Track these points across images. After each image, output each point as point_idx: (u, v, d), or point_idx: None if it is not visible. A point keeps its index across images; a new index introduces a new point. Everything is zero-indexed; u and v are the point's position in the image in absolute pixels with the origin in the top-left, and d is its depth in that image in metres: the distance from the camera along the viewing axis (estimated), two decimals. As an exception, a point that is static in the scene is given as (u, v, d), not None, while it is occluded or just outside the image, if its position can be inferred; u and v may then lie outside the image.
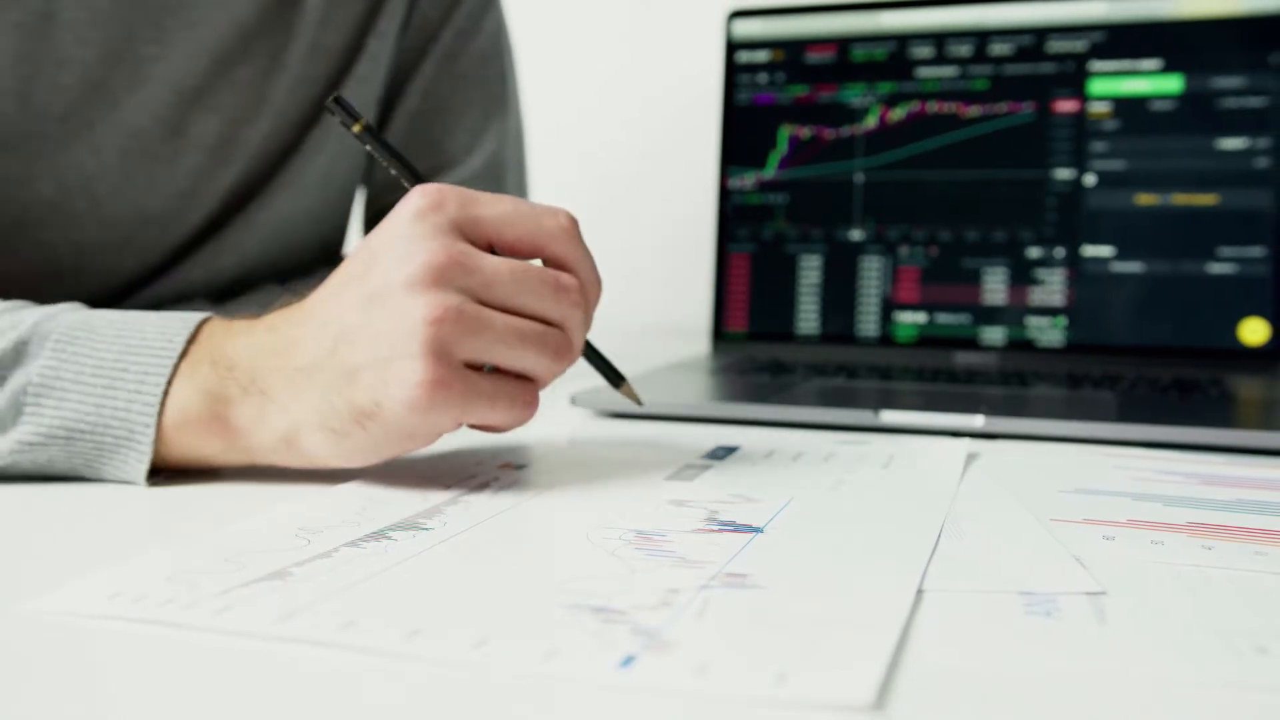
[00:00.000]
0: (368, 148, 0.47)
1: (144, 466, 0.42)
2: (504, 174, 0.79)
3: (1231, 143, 0.82)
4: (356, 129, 0.46)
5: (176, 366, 0.42)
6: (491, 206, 0.42)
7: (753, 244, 0.92)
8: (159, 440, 0.42)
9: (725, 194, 0.93)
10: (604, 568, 0.32)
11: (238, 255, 0.70)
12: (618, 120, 1.33)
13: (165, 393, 0.42)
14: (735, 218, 0.93)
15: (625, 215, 1.34)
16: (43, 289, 0.64)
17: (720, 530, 0.37)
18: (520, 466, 0.47)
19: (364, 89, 0.72)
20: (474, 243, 0.42)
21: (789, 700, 0.23)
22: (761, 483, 0.44)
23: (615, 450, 0.52)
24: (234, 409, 0.42)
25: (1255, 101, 0.81)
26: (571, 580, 0.31)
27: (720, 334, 0.92)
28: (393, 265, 0.40)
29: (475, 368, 0.41)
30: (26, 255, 0.64)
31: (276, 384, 0.42)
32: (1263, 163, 0.81)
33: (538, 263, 0.44)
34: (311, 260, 0.75)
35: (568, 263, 0.44)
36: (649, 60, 1.31)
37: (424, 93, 0.76)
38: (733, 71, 0.94)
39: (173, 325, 0.43)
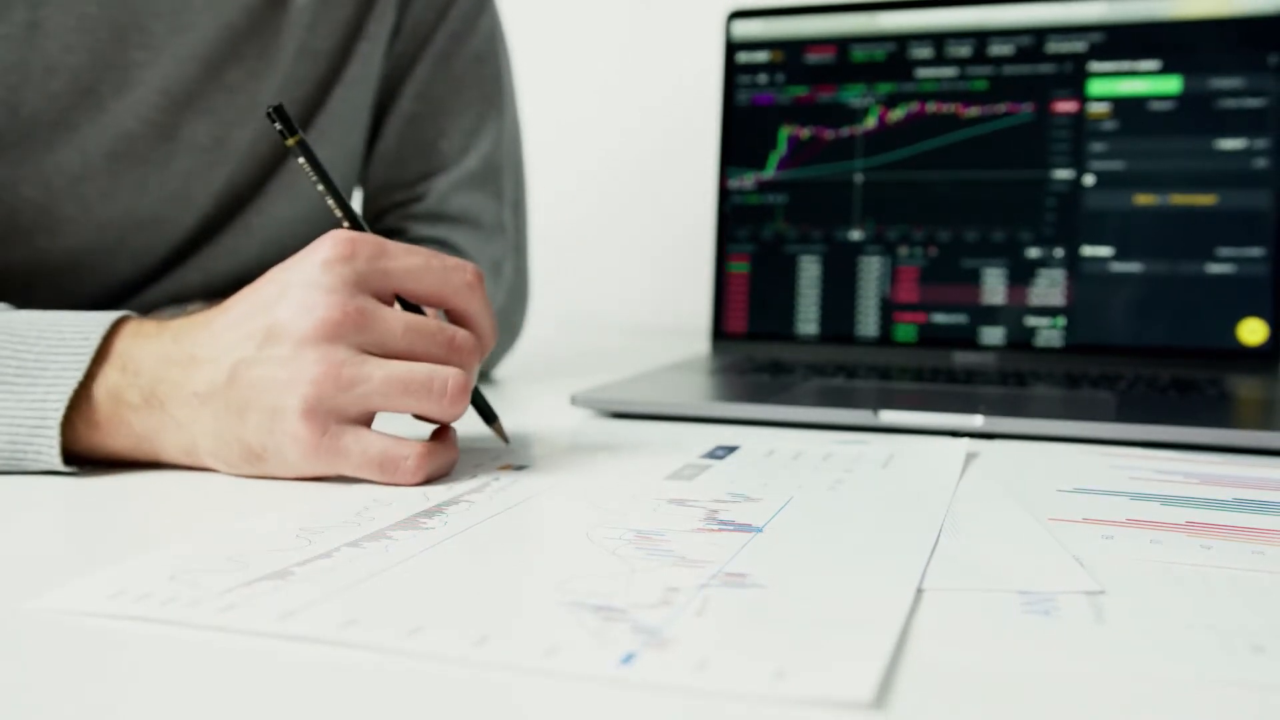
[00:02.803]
0: (300, 161, 0.48)
1: (56, 454, 0.44)
2: (500, 175, 0.79)
3: (1230, 143, 0.82)
4: (291, 143, 0.48)
5: (91, 365, 0.44)
6: (400, 260, 0.45)
7: (752, 244, 0.92)
8: (72, 436, 0.44)
9: (725, 194, 0.93)
10: (604, 566, 0.32)
11: (234, 259, 0.70)
12: (616, 122, 1.33)
13: (78, 390, 0.44)
14: (735, 218, 0.93)
15: (625, 216, 1.34)
16: (37, 294, 0.64)
17: (720, 530, 0.37)
18: (520, 466, 0.47)
19: (356, 92, 0.72)
20: (380, 294, 0.44)
21: (788, 698, 0.23)
22: (761, 482, 0.44)
23: (615, 450, 0.52)
24: (136, 415, 0.44)
25: (1254, 102, 0.81)
26: (572, 579, 0.31)
27: (720, 334, 0.92)
28: (294, 312, 0.43)
29: (360, 426, 0.44)
30: (19, 259, 0.64)
31: (174, 402, 0.44)
32: (1261, 163, 0.81)
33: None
34: None
35: (469, 315, 0.47)
36: (648, 61, 1.31)
37: (418, 95, 0.76)
38: (732, 72, 0.94)
39: (89, 325, 0.45)
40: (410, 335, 0.44)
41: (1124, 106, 0.84)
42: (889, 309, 0.88)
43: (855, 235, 0.89)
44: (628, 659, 0.25)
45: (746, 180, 0.93)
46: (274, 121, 0.47)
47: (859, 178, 0.90)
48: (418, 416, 0.45)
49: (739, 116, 0.94)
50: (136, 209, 0.65)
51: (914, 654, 0.26)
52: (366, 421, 0.44)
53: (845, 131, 0.90)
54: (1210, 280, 0.81)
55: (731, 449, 0.52)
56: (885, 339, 0.88)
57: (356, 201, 0.81)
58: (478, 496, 0.41)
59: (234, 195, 0.69)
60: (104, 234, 0.65)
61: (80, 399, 0.44)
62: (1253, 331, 0.80)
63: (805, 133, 0.91)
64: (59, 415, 0.43)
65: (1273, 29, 0.82)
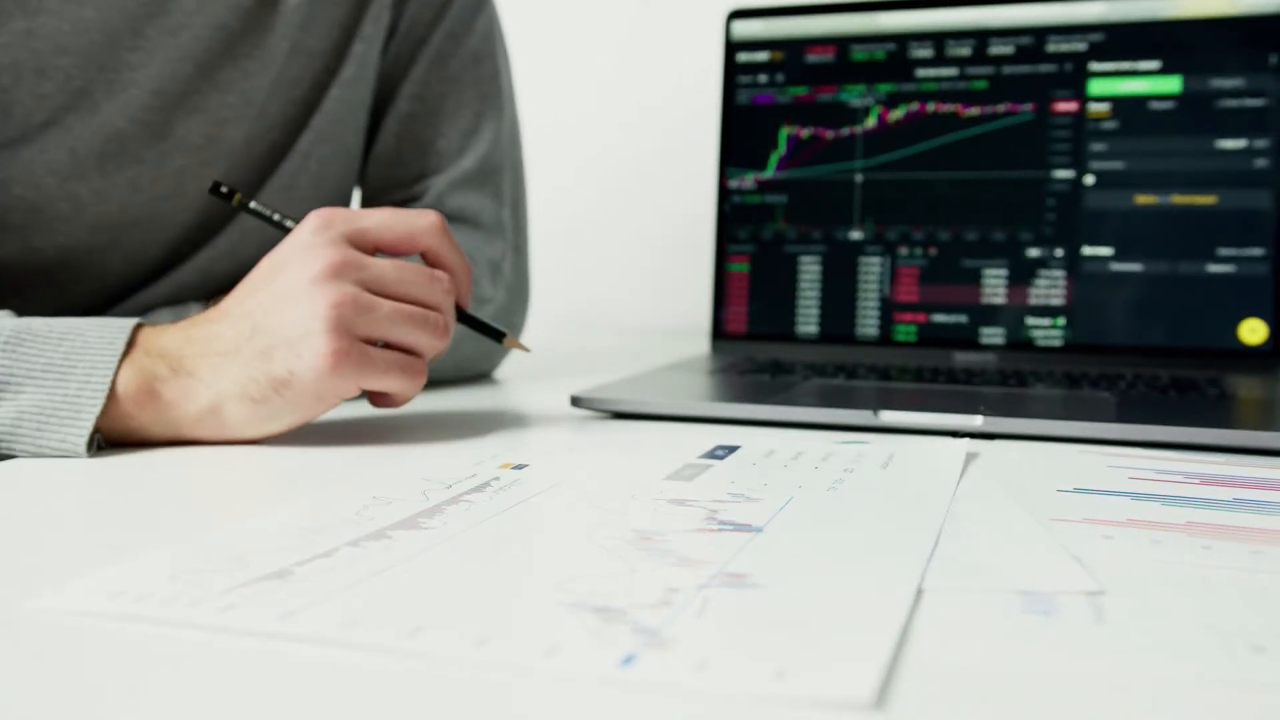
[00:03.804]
0: (252, 211, 0.57)
1: (83, 440, 0.48)
2: (498, 174, 0.79)
3: (1230, 143, 0.82)
4: (235, 201, 0.57)
5: (121, 362, 0.49)
6: (371, 218, 0.53)
7: (752, 244, 0.92)
8: (101, 414, 0.48)
9: (725, 194, 0.93)
10: (604, 567, 0.32)
11: (232, 260, 0.70)
12: (616, 122, 1.33)
13: (112, 383, 0.48)
14: (735, 218, 0.93)
15: (625, 216, 1.34)
16: (32, 292, 0.64)
17: (720, 530, 0.37)
18: (520, 466, 0.47)
19: (352, 92, 0.72)
20: (362, 249, 0.52)
21: (788, 698, 0.23)
22: (761, 483, 0.44)
23: (615, 450, 0.52)
24: (164, 385, 0.49)
25: (1254, 102, 0.81)
26: (572, 579, 0.31)
27: (720, 334, 0.92)
28: (299, 268, 0.50)
29: (371, 343, 0.51)
30: (13, 257, 0.64)
31: (201, 366, 0.50)
32: (1262, 163, 0.81)
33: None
34: None
35: (439, 253, 0.54)
36: (648, 61, 1.31)
37: (415, 95, 0.76)
38: (732, 72, 0.94)
39: (110, 330, 0.50)
40: (400, 272, 0.52)
41: (1124, 106, 0.84)
42: (889, 309, 0.88)
43: (855, 235, 0.89)
44: (628, 660, 0.25)
45: (746, 180, 0.93)
46: (220, 195, 0.56)
47: (859, 178, 0.90)
48: (399, 349, 0.52)
49: (739, 116, 0.94)
50: (130, 207, 0.65)
51: (914, 654, 0.26)
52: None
53: (845, 131, 0.90)
54: (1210, 280, 0.81)
55: (731, 449, 0.52)
56: (885, 339, 0.88)
57: (355, 202, 0.81)
58: (478, 496, 0.41)
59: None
60: (97, 233, 0.65)
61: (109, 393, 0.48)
62: (1253, 331, 0.80)
63: (805, 133, 0.91)
64: (96, 409, 0.48)
65: (1273, 29, 0.82)
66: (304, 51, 0.69)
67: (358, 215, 0.53)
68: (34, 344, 0.49)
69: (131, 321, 0.51)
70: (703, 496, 0.42)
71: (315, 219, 0.52)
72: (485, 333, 0.59)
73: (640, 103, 1.32)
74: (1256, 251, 0.81)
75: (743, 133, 0.93)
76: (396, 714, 0.23)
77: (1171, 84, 0.83)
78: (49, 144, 0.61)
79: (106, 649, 0.27)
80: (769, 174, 0.92)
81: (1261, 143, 0.81)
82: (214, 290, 0.70)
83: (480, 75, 0.78)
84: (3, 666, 0.26)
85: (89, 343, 0.49)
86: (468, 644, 0.26)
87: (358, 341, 0.50)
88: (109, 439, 0.50)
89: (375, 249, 0.53)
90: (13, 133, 0.60)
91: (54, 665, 0.26)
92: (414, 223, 0.54)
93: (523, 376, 0.83)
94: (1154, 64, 0.84)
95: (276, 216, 0.57)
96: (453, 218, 0.76)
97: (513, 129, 0.82)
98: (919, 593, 0.31)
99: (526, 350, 0.61)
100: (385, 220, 0.53)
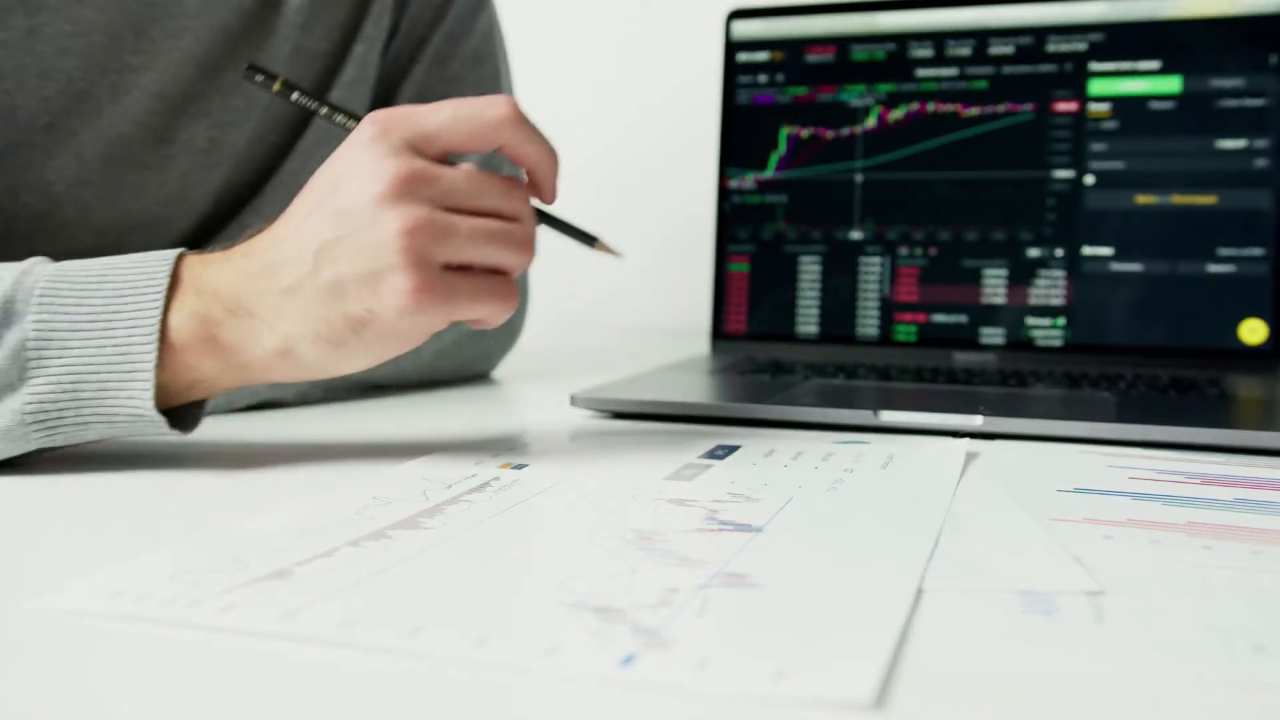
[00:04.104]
0: (296, 100, 0.50)
1: (149, 393, 0.43)
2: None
3: (1230, 143, 0.82)
4: (276, 88, 0.50)
5: (167, 300, 0.44)
6: (435, 116, 0.45)
7: (752, 244, 0.92)
8: (160, 366, 0.44)
9: (725, 194, 0.93)
10: (604, 567, 0.32)
11: None
12: (616, 122, 1.33)
13: (161, 324, 0.44)
14: (735, 218, 0.93)
15: (625, 216, 1.33)
16: None
17: (720, 530, 0.37)
18: (520, 466, 0.47)
19: (353, 93, 0.72)
20: (427, 155, 0.45)
21: (788, 698, 0.23)
22: (761, 483, 0.44)
23: (615, 450, 0.52)
24: (223, 329, 0.44)
25: (1254, 102, 0.81)
26: (571, 579, 0.31)
27: (720, 334, 0.92)
28: (360, 183, 0.43)
29: (451, 269, 0.45)
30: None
31: (261, 305, 0.44)
32: (1262, 163, 0.81)
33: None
34: None
35: (517, 147, 0.47)
36: (648, 61, 1.31)
37: (416, 95, 0.76)
38: (732, 72, 0.94)
39: (151, 265, 0.45)
40: (473, 182, 0.45)
41: (1124, 106, 0.84)
42: (889, 309, 0.88)
43: (855, 235, 0.89)
44: (628, 660, 0.25)
45: (746, 180, 0.93)
46: (253, 82, 0.50)
47: (859, 178, 0.90)
48: (486, 271, 0.46)
49: (739, 116, 0.94)
50: (134, 212, 0.65)
51: (914, 654, 0.26)
52: None
53: (845, 131, 0.90)
54: (1210, 280, 0.81)
55: (731, 449, 0.52)
56: (885, 339, 0.88)
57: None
58: (478, 496, 0.41)
59: (231, 196, 0.69)
60: (101, 238, 0.65)
61: (161, 332, 0.44)
62: (1253, 331, 0.80)
63: (805, 132, 0.91)
64: (151, 353, 0.43)
65: (1273, 29, 0.82)
66: (306, 53, 0.69)
67: (419, 115, 0.45)
68: (72, 292, 0.44)
69: (173, 253, 0.46)
70: (703, 496, 0.42)
71: (371, 125, 0.45)
72: (575, 236, 0.52)
73: (640, 103, 1.32)
74: (1256, 251, 0.81)
75: (743, 133, 0.93)
76: (396, 714, 0.23)
77: (1171, 84, 0.83)
78: (56, 149, 0.61)
79: (106, 649, 0.27)
80: (769, 174, 0.92)
81: (1261, 143, 0.81)
82: None
83: (481, 75, 0.78)
84: (3, 666, 0.26)
85: (130, 281, 0.45)
86: (468, 644, 0.26)
87: (440, 271, 0.44)
88: (173, 397, 0.45)
89: (443, 153, 0.46)
90: (16, 136, 0.60)
91: (54, 665, 0.26)
92: (484, 115, 0.46)
93: (523, 376, 0.83)
94: (1154, 64, 0.84)
95: (324, 111, 0.50)
96: None
97: None
98: (919, 593, 0.31)
99: (619, 255, 0.53)
100: (451, 118, 0.45)
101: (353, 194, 0.43)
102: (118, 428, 0.44)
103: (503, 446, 0.52)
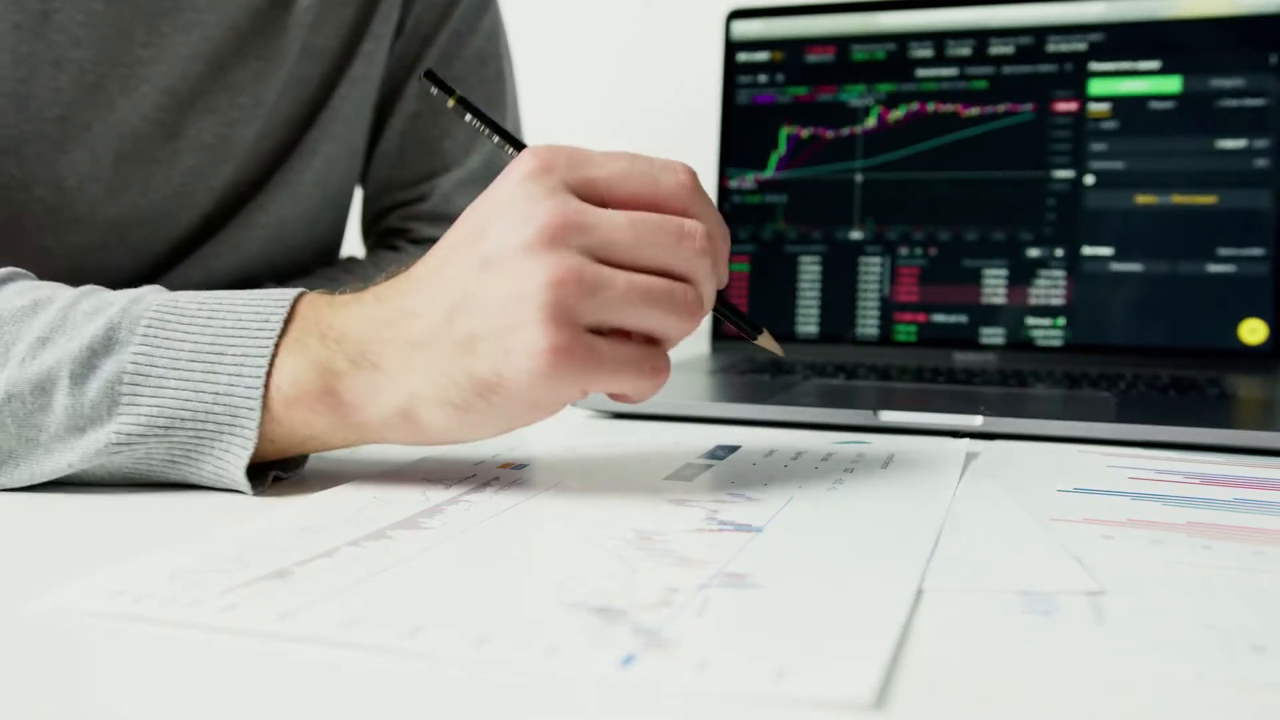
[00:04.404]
0: (469, 118, 0.46)
1: (247, 453, 0.40)
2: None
3: (1231, 143, 0.82)
4: (451, 103, 0.46)
5: (278, 344, 0.40)
6: (604, 166, 0.41)
7: (752, 244, 0.92)
8: (268, 420, 0.40)
9: (725, 194, 0.93)
10: (604, 567, 0.32)
11: (236, 256, 0.70)
12: (616, 121, 1.33)
13: (269, 372, 0.40)
14: (735, 218, 0.93)
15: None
16: None
17: (720, 530, 0.37)
18: (520, 466, 0.47)
19: (359, 91, 0.72)
20: (589, 201, 0.40)
21: (788, 698, 0.23)
22: (761, 483, 0.44)
23: (615, 450, 0.52)
24: (345, 382, 0.40)
25: (1254, 102, 0.81)
26: (571, 579, 0.31)
27: (720, 334, 0.92)
28: (507, 229, 0.39)
29: (600, 332, 0.39)
30: (23, 257, 0.64)
31: (389, 356, 0.40)
32: (1262, 163, 0.81)
33: None
34: (309, 261, 0.76)
35: (691, 217, 0.41)
36: (648, 61, 1.31)
37: (421, 94, 0.76)
38: (732, 72, 0.94)
39: (266, 304, 0.41)
40: (638, 229, 0.39)
41: (1124, 106, 0.84)
42: (889, 309, 0.88)
43: (855, 235, 0.89)
44: (628, 660, 0.25)
45: (746, 180, 0.93)
46: (432, 85, 0.46)
47: (859, 178, 0.90)
48: (643, 341, 0.41)
49: (739, 116, 0.94)
50: (140, 207, 0.65)
51: (914, 654, 0.26)
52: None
53: (845, 131, 0.90)
54: (1210, 280, 0.81)
55: (731, 449, 0.52)
56: (885, 339, 0.88)
57: (356, 201, 0.81)
58: (477, 496, 0.41)
59: (236, 193, 0.69)
60: (107, 232, 0.65)
61: (273, 379, 0.40)
62: (1253, 331, 0.80)
63: (805, 133, 0.91)
64: (256, 405, 0.39)
65: (1273, 29, 0.82)
66: (314, 51, 0.69)
67: (586, 159, 0.40)
68: (180, 324, 0.40)
69: (293, 292, 0.42)
70: (703, 496, 0.42)
71: (531, 160, 0.40)
72: (740, 326, 0.48)
73: (641, 103, 1.32)
74: (1256, 251, 0.81)
75: (743, 133, 0.93)
76: (396, 714, 0.23)
77: (1171, 84, 0.83)
78: (69, 143, 0.61)
79: (106, 649, 0.27)
80: (769, 174, 0.92)
81: (1261, 143, 0.81)
82: (219, 288, 0.70)
83: (485, 75, 0.78)
84: (3, 666, 0.26)
85: (241, 320, 0.40)
86: (468, 644, 0.26)
87: (582, 332, 0.38)
88: (279, 452, 0.41)
89: (604, 205, 0.40)
90: (29, 126, 0.60)
91: (54, 665, 0.26)
92: (660, 179, 0.41)
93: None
94: (1154, 64, 0.84)
95: (494, 138, 0.46)
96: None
97: (516, 130, 0.82)
98: (919, 593, 0.31)
99: (779, 354, 0.50)
100: (621, 171, 0.40)
101: (499, 239, 0.39)
102: (202, 480, 0.41)
103: (503, 446, 0.52)
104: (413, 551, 0.34)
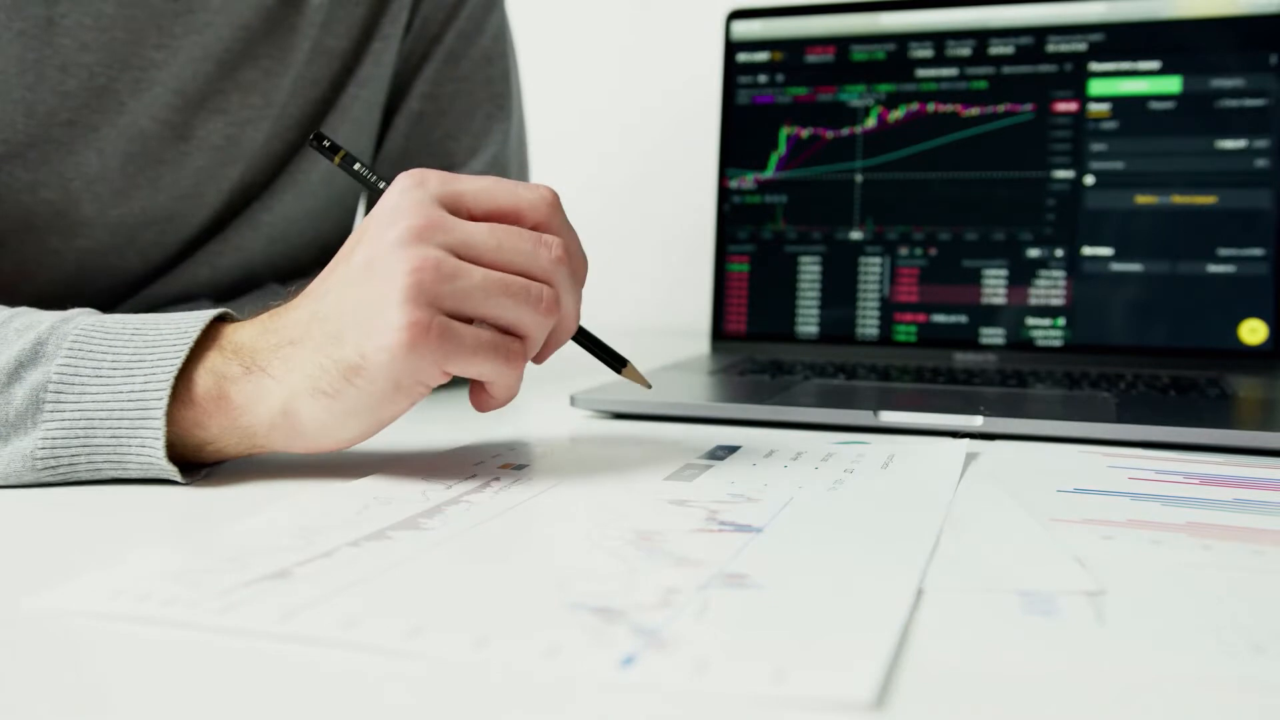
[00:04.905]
0: (356, 169, 0.50)
1: (160, 442, 0.42)
2: (507, 175, 0.79)
3: (1230, 143, 0.82)
4: (336, 161, 0.50)
5: (190, 355, 0.43)
6: (471, 183, 0.44)
7: (752, 244, 0.92)
8: (172, 422, 0.42)
9: (725, 194, 0.93)
10: (604, 567, 0.32)
11: (241, 255, 0.70)
12: (616, 122, 1.33)
13: (177, 378, 0.42)
14: (735, 218, 0.93)
15: (625, 217, 1.34)
16: (46, 292, 0.64)
17: (720, 530, 0.37)
18: (520, 467, 0.47)
19: (368, 91, 0.72)
20: (457, 214, 0.43)
21: (788, 698, 0.23)
22: (761, 483, 0.44)
23: (615, 450, 0.52)
24: (235, 386, 0.43)
25: (1254, 102, 0.81)
26: (571, 580, 0.31)
27: (720, 334, 0.92)
28: (378, 233, 0.42)
29: (461, 320, 0.42)
30: (31, 259, 0.64)
31: (274, 361, 0.43)
32: (1261, 163, 0.81)
33: None
34: (312, 261, 0.76)
35: (549, 232, 0.45)
36: (648, 61, 1.31)
37: (427, 94, 0.76)
38: (732, 72, 0.94)
39: (187, 321, 0.44)
40: (497, 235, 0.43)
41: (1124, 106, 0.84)
42: (889, 309, 0.88)
43: (855, 235, 0.89)
44: (628, 661, 0.25)
45: (746, 180, 0.93)
46: (316, 149, 0.50)
47: (859, 178, 0.90)
48: (502, 331, 0.43)
49: (739, 116, 0.94)
50: (149, 208, 0.65)
51: (914, 654, 0.26)
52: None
53: (845, 131, 0.90)
54: (1210, 280, 0.81)
55: (731, 449, 0.52)
56: (885, 339, 0.88)
57: (360, 202, 0.81)
58: (478, 497, 0.41)
59: (244, 193, 0.69)
60: (116, 233, 0.65)
61: (180, 387, 0.43)
62: (1253, 331, 0.80)
63: (805, 133, 0.91)
64: (163, 402, 0.42)
65: (1273, 29, 0.82)
66: (324, 51, 0.69)
67: (455, 178, 0.44)
68: (103, 340, 0.44)
69: (211, 312, 0.45)
70: (703, 496, 0.42)
71: (406, 178, 0.43)
72: (601, 356, 0.50)
73: (641, 103, 1.32)
74: (1256, 251, 0.81)
75: (743, 133, 0.93)
76: (396, 714, 0.23)
77: (1171, 84, 0.83)
78: (78, 145, 0.61)
79: (106, 649, 0.27)
80: (769, 174, 0.92)
81: (1261, 143, 0.81)
82: (223, 286, 0.70)
83: (491, 75, 0.78)
84: (3, 666, 0.26)
85: (162, 334, 0.44)
86: (468, 644, 0.26)
87: (440, 315, 0.41)
88: (183, 456, 0.44)
89: (472, 217, 0.44)
90: (37, 131, 0.60)
91: (54, 665, 0.26)
92: (520, 194, 0.44)
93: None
94: (1154, 64, 0.84)
95: (372, 178, 0.50)
96: None
97: (520, 130, 0.82)
98: (919, 593, 0.31)
99: (648, 386, 0.52)
100: (487, 186, 0.44)
101: (371, 244, 0.42)
102: (130, 474, 0.43)
103: (503, 447, 0.52)
104: (413, 552, 0.34)
